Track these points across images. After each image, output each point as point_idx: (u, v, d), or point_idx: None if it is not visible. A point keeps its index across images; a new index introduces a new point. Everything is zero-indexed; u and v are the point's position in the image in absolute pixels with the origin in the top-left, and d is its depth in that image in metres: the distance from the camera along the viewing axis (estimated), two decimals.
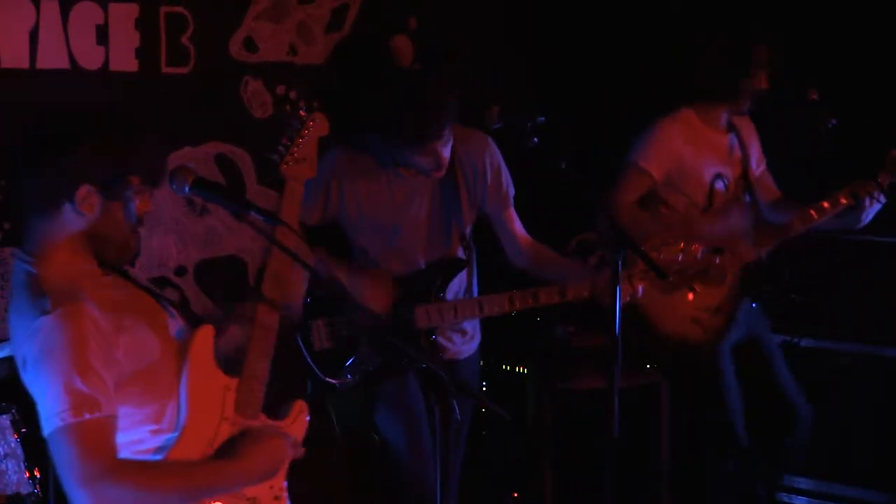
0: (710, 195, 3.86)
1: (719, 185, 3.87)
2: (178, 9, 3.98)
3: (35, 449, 3.07)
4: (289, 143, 2.77)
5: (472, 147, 3.39)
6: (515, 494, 4.47)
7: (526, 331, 4.45)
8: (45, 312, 2.19)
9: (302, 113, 2.84)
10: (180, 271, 4.10)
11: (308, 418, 2.60)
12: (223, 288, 4.18)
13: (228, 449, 2.39)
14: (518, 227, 3.55)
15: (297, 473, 3.95)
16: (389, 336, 3.17)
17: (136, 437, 2.34)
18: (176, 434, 2.36)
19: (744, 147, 3.93)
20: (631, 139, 4.19)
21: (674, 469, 4.47)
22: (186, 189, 2.43)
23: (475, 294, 3.58)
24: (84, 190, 2.25)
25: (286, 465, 2.53)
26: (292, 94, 4.31)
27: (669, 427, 4.46)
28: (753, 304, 3.95)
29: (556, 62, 4.76)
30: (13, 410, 3.19)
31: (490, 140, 3.40)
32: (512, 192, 3.52)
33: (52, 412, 2.16)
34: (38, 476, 3.20)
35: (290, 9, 4.31)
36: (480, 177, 3.45)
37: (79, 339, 2.19)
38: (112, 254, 2.38)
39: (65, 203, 2.27)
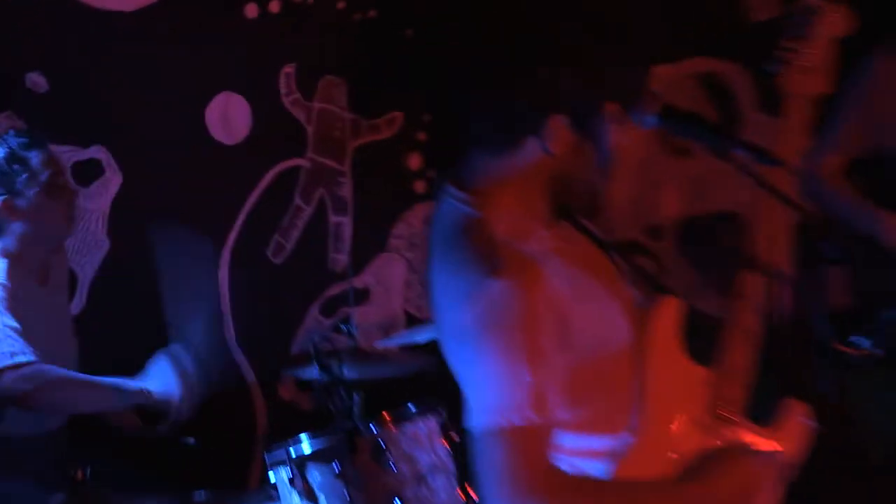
0: None
1: None
2: None
3: (465, 460, 3.01)
4: (791, 47, 2.31)
5: None
6: None
7: None
8: (496, 273, 1.93)
9: (812, 6, 2.36)
10: (655, 233, 3.96)
11: (807, 421, 2.22)
12: (710, 256, 3.90)
13: (693, 467, 2.08)
14: None
15: None
16: None
17: (576, 441, 2.06)
18: (630, 439, 2.09)
19: None
20: None
21: None
22: (651, 120, 2.04)
23: None
24: (556, 121, 1.98)
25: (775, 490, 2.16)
26: None
27: None
28: None
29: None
30: (441, 411, 2.99)
31: None
32: None
33: (491, 405, 1.90)
34: (473, 498, 2.98)
35: None
36: None
37: (533, 315, 1.93)
38: (575, 199, 2.15)
39: (528, 137, 2.00)
